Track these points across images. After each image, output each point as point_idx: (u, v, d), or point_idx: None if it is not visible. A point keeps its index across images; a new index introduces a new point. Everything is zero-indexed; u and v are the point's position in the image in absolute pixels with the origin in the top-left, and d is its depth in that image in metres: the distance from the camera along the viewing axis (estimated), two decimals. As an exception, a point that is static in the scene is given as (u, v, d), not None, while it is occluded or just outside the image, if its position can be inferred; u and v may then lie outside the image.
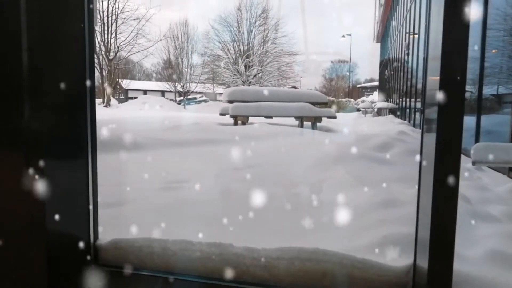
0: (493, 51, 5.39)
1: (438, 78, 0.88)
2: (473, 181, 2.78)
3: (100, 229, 1.30)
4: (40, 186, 1.08)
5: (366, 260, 1.09)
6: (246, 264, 1.15)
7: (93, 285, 1.19)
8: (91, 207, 1.25)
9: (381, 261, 1.09)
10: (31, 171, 1.08)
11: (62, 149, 1.17)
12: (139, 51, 24.21)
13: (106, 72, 23.01)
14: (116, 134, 4.36)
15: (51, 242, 1.11)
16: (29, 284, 1.12)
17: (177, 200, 2.13)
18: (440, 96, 0.88)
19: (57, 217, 1.12)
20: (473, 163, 2.50)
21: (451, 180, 0.88)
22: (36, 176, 1.08)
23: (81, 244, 1.23)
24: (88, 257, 1.26)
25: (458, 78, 0.87)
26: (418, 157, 1.05)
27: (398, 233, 1.36)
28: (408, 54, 12.78)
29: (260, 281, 1.14)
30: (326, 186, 2.50)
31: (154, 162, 3.61)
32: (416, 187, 1.05)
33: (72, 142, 1.21)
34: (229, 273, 1.16)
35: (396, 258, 1.11)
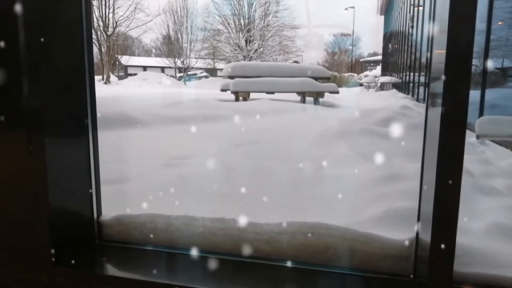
0: (500, 23, 5.28)
1: (444, 51, 0.86)
2: (476, 155, 2.78)
3: (103, 205, 1.30)
4: (42, 165, 1.07)
5: (368, 234, 1.10)
6: (249, 238, 1.16)
7: (98, 261, 1.21)
8: (93, 184, 1.26)
9: (383, 235, 1.10)
10: (32, 150, 1.08)
11: (62, 127, 1.16)
12: (137, 26, 23.93)
13: (105, 48, 22.74)
14: (116, 111, 4.35)
15: (55, 220, 1.12)
16: (35, 262, 1.13)
17: (179, 177, 2.14)
18: (446, 69, 0.86)
19: (60, 195, 1.13)
20: (477, 137, 2.49)
21: (455, 155, 0.87)
22: (38, 155, 1.07)
23: (85, 221, 1.24)
24: (92, 234, 1.27)
25: (465, 51, 0.85)
26: (421, 132, 1.04)
27: (400, 207, 1.36)
28: (412, 27, 12.56)
29: (263, 255, 1.15)
30: (328, 162, 2.50)
31: (156, 139, 3.61)
32: (419, 162, 1.04)
33: (72, 119, 1.20)
34: (232, 248, 1.17)
35: (399, 232, 1.11)
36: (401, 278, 1.05)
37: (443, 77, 0.86)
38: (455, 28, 0.84)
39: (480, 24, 5.15)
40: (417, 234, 1.06)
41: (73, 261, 1.15)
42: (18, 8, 1.03)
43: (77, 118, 1.21)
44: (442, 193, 0.89)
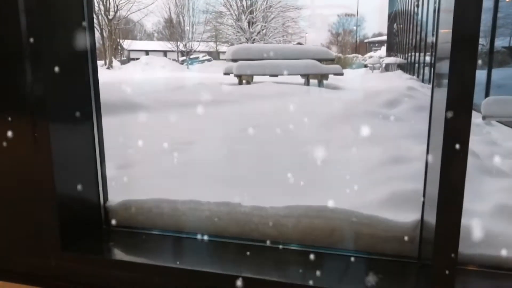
0: (507, 0, 5.17)
1: (451, 30, 0.84)
2: (482, 136, 2.76)
3: (109, 190, 1.31)
4: (47, 151, 1.08)
5: (374, 217, 1.10)
6: (254, 222, 1.17)
7: (105, 246, 1.22)
8: (99, 169, 1.26)
9: (388, 217, 1.10)
10: (37, 136, 1.08)
11: (67, 113, 1.16)
12: (139, 10, 23.67)
13: (107, 32, 22.56)
14: (120, 97, 4.34)
15: (62, 206, 1.13)
16: (43, 248, 1.15)
17: (185, 161, 2.14)
18: (452, 49, 0.84)
19: (66, 181, 1.14)
20: (483, 118, 2.47)
21: (461, 136, 0.87)
22: (43, 142, 1.08)
23: (91, 207, 1.26)
24: (99, 219, 1.28)
25: (472, 30, 0.83)
26: (427, 113, 1.03)
27: (405, 189, 1.36)
28: (417, 6, 12.33)
29: (268, 238, 1.16)
30: (333, 145, 2.50)
31: (160, 123, 3.61)
32: (425, 143, 1.03)
33: (76, 105, 1.20)
34: (238, 232, 1.18)
35: (404, 214, 1.11)
36: (406, 260, 1.06)
37: (449, 57, 0.85)
38: (462, 7, 0.82)
39: (486, 2, 5.04)
40: (422, 216, 1.06)
41: (80, 246, 1.16)
42: None
43: (81, 104, 1.21)
44: (448, 174, 0.88)
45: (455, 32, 0.84)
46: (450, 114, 0.87)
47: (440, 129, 0.89)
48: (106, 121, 1.29)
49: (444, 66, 0.88)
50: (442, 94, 0.89)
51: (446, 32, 0.87)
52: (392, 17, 23.78)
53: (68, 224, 1.15)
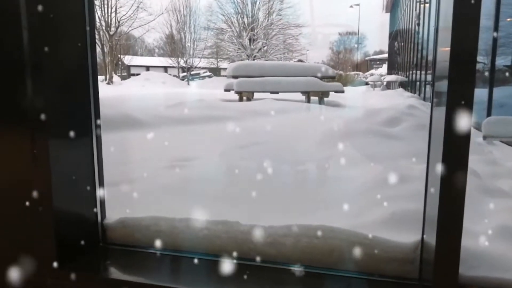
0: (508, 19, 5.23)
1: (449, 49, 0.85)
2: (483, 155, 2.74)
3: (107, 207, 1.30)
4: (46, 168, 1.07)
5: (374, 237, 1.09)
6: (253, 241, 1.15)
7: (102, 264, 1.21)
8: (97, 186, 1.26)
9: (388, 238, 1.09)
10: (36, 152, 1.08)
11: (66, 129, 1.16)
12: (140, 26, 23.96)
13: (108, 48, 22.77)
14: (120, 112, 4.36)
15: (59, 223, 1.12)
16: (39, 266, 1.13)
17: (183, 178, 2.13)
18: (450, 67, 0.84)
19: (64, 198, 1.13)
20: (484, 138, 2.46)
21: (461, 155, 0.86)
22: (42, 158, 1.07)
23: (89, 224, 1.24)
24: (96, 237, 1.27)
25: (470, 49, 0.83)
26: (427, 132, 1.02)
27: (406, 210, 1.35)
28: (418, 25, 12.50)
29: (267, 258, 1.14)
30: (333, 163, 2.49)
31: (159, 140, 3.62)
32: (425, 163, 1.03)
33: (76, 121, 1.20)
34: (236, 251, 1.16)
35: (404, 234, 1.10)
36: (407, 281, 1.04)
37: (447, 75, 0.85)
38: (460, 25, 0.83)
39: (488, 21, 5.10)
40: (422, 236, 1.04)
41: (77, 264, 1.15)
42: (21, 8, 1.03)
43: (81, 120, 1.21)
44: (447, 194, 0.87)
45: (453, 50, 0.84)
46: (449, 133, 0.86)
47: (439, 148, 0.88)
48: (105, 137, 1.29)
49: (443, 85, 0.88)
50: (441, 113, 0.89)
51: (444, 51, 0.88)
52: (393, 35, 24.07)
53: (65, 242, 1.14)
